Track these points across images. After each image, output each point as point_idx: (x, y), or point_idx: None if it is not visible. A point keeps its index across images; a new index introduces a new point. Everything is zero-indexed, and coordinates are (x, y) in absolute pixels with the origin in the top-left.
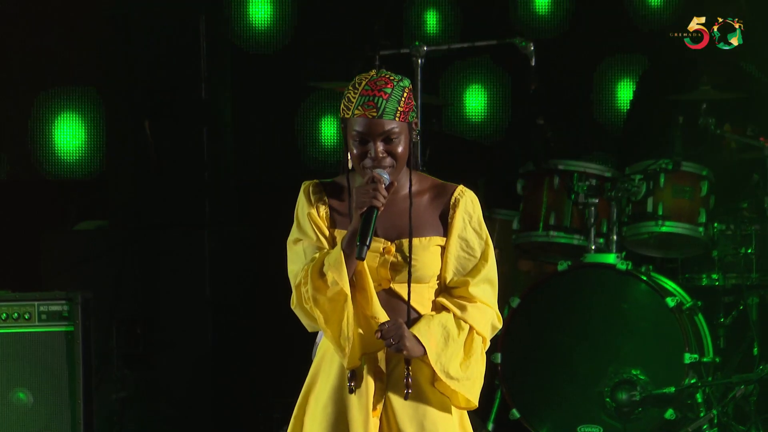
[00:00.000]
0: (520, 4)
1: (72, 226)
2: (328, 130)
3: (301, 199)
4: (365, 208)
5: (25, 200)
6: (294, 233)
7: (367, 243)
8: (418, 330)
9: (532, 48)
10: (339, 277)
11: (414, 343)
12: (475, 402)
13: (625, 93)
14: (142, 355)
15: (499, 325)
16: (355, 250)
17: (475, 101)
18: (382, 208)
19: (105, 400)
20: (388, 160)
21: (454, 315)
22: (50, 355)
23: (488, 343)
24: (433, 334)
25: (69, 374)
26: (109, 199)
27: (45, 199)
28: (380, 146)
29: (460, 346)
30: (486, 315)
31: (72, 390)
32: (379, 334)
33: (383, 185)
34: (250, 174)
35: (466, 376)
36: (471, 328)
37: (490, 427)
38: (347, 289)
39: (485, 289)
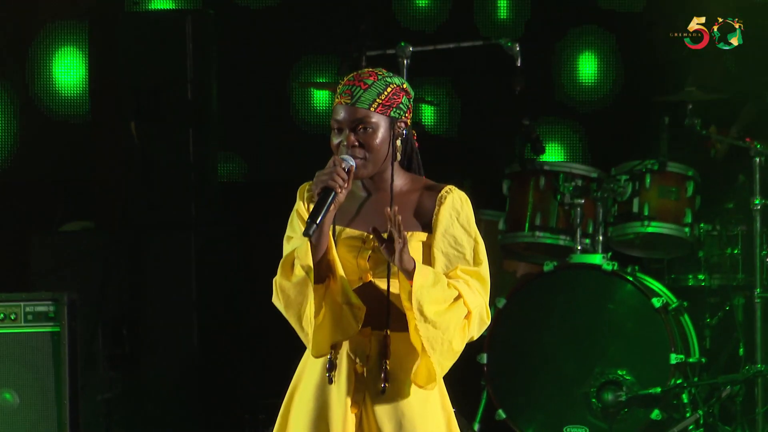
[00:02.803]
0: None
1: (58, 227)
2: (317, 130)
3: (297, 199)
4: (320, 189)
5: (11, 201)
6: (287, 231)
7: (317, 221)
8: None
9: (518, 48)
10: (303, 264)
11: (410, 258)
12: (439, 371)
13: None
14: (128, 356)
15: (488, 321)
16: (321, 239)
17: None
18: (341, 191)
19: (91, 401)
20: (360, 151)
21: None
22: (36, 355)
23: (472, 330)
24: (425, 271)
25: (55, 375)
26: (95, 200)
27: (31, 199)
28: (351, 135)
29: (445, 298)
30: (476, 297)
31: (58, 391)
32: (390, 232)
33: (343, 169)
34: (236, 175)
35: (439, 323)
36: (459, 294)
37: (476, 427)
38: (311, 276)
39: (474, 283)
